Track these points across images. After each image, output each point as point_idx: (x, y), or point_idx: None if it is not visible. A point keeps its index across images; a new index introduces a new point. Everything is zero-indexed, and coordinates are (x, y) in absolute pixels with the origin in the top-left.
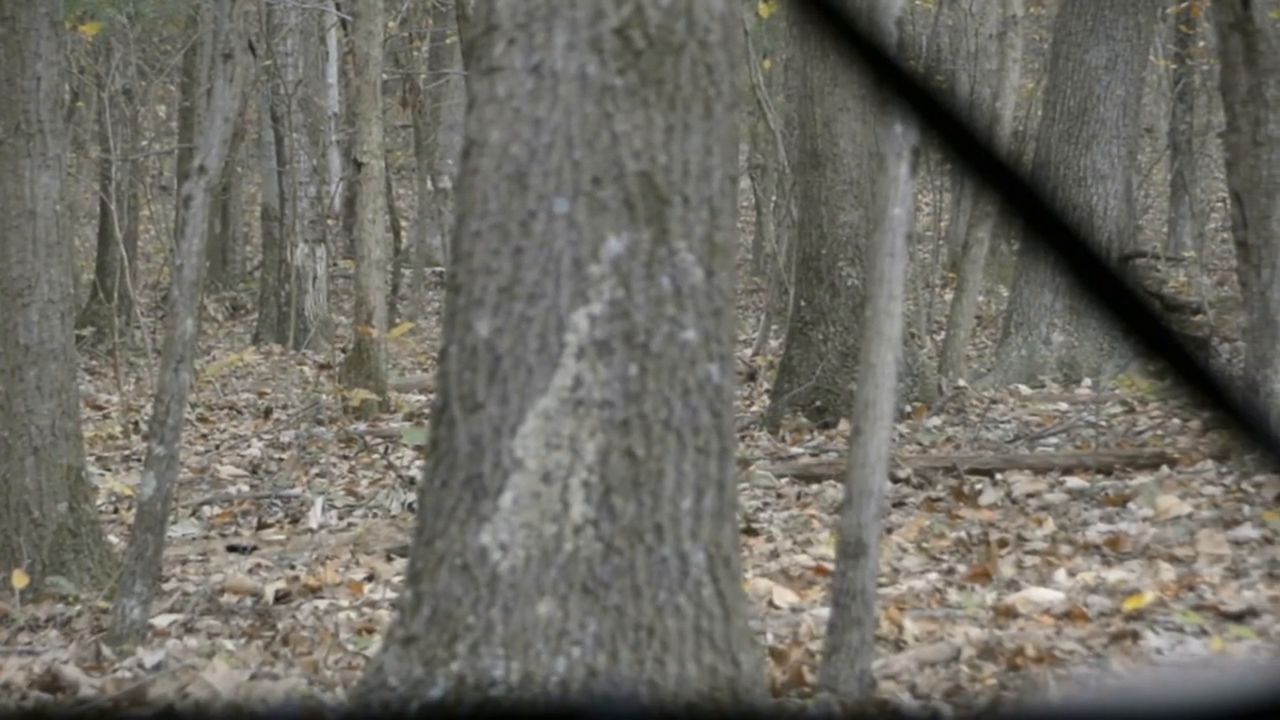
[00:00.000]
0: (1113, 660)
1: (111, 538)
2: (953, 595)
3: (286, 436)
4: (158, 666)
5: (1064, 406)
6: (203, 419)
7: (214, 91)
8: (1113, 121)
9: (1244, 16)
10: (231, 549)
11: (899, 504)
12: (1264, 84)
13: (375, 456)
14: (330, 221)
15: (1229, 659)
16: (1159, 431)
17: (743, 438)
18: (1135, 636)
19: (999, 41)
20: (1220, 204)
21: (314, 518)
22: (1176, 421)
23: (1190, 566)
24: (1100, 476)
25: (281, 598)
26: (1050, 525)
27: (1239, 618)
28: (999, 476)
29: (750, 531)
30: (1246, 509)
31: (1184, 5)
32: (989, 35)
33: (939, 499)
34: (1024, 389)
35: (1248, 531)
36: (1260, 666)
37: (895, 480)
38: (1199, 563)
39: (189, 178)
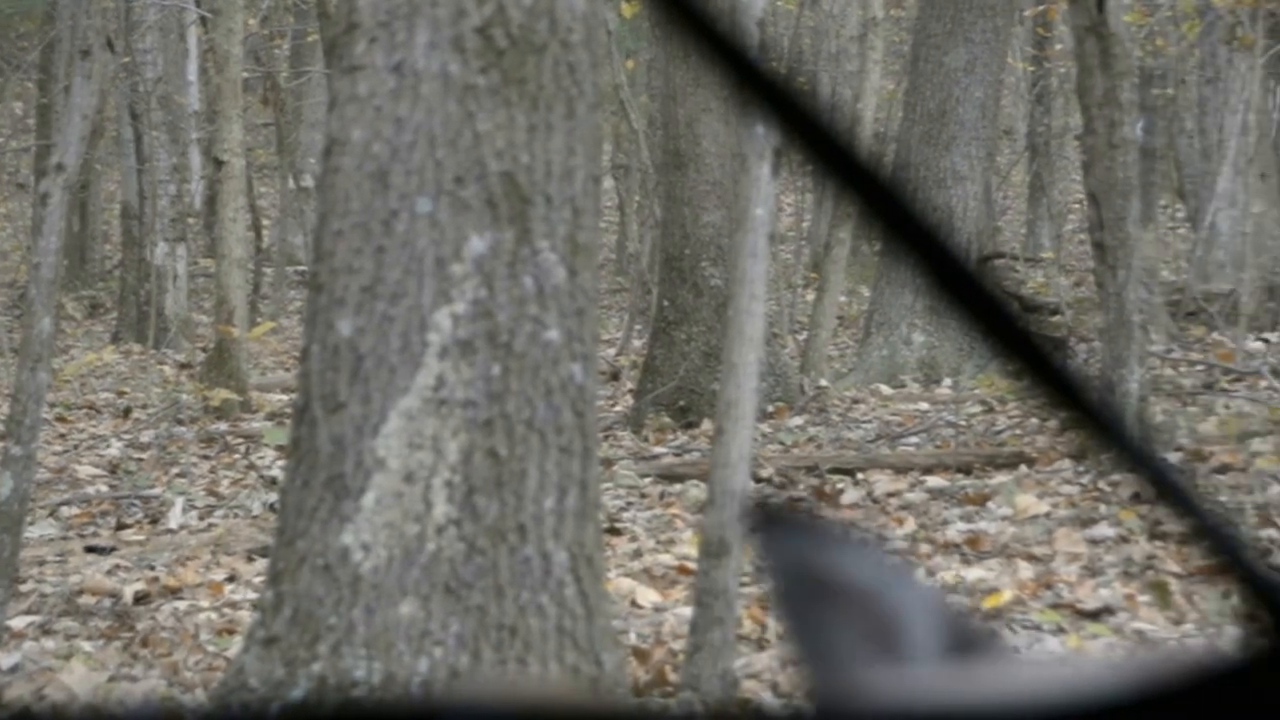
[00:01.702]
0: None
1: None
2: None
3: (146, 436)
4: (14, 669)
5: (924, 406)
6: (61, 419)
7: (72, 88)
8: (972, 123)
9: (1099, 20)
10: (90, 550)
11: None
12: (1119, 87)
13: (236, 456)
14: (191, 220)
15: (1085, 657)
16: (1017, 431)
17: (606, 437)
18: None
19: (860, 43)
20: (1077, 205)
21: (174, 518)
22: (1034, 421)
23: (1048, 565)
24: (960, 476)
25: (141, 599)
26: (911, 524)
27: (1095, 616)
28: (860, 476)
29: (613, 531)
30: (1103, 508)
31: (1041, 8)
32: (850, 37)
33: (801, 498)
34: (885, 389)
35: (1104, 530)
36: (1116, 664)
37: (758, 480)
38: (1056, 561)
39: (46, 175)
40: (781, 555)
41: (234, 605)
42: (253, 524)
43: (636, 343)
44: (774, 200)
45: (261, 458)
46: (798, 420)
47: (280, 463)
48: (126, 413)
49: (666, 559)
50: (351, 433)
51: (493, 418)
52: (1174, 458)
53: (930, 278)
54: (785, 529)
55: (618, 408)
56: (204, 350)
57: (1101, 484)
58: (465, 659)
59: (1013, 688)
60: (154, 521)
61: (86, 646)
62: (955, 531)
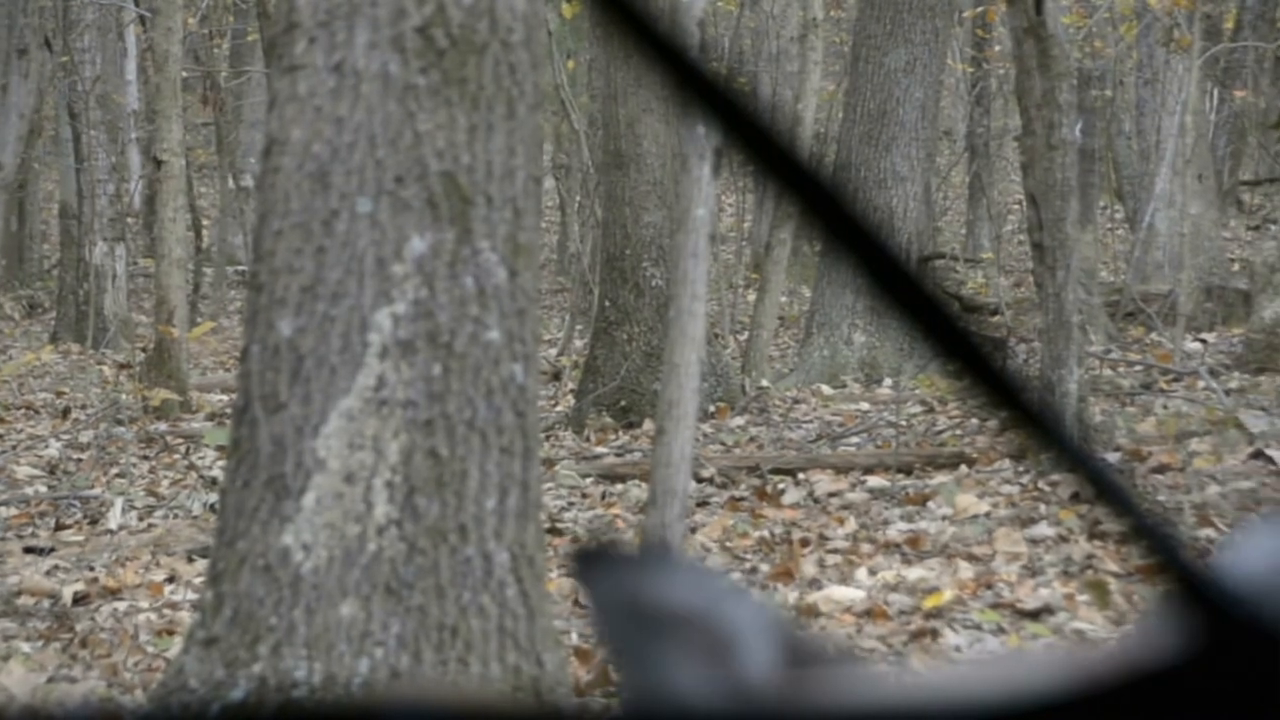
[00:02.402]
0: (912, 658)
1: None
2: (756, 594)
3: (85, 436)
4: None
5: (865, 406)
6: None
7: (9, 88)
8: (912, 124)
9: (1037, 22)
10: (28, 550)
11: (703, 503)
12: (1057, 88)
13: (176, 457)
14: (130, 219)
15: (1025, 656)
16: (958, 431)
17: (547, 438)
18: (934, 634)
19: (800, 44)
20: (1017, 206)
21: (113, 518)
22: (974, 421)
23: (988, 565)
24: (901, 476)
25: (80, 599)
26: (852, 524)
27: (1035, 615)
28: (801, 476)
29: (555, 531)
30: (1043, 507)
31: (980, 10)
32: (790, 38)
33: (742, 498)
34: (826, 389)
35: (1044, 530)
36: (1055, 663)
37: (699, 480)
38: (996, 561)
39: None
40: (605, 593)
41: (174, 606)
42: (193, 524)
43: (578, 343)
44: (715, 201)
45: (202, 458)
46: (739, 420)
47: (220, 463)
48: (65, 413)
49: None
50: (292, 433)
51: (433, 418)
52: (1113, 458)
53: (870, 278)
54: (607, 567)
55: (559, 408)
56: (143, 350)
57: (1041, 484)
58: (406, 659)
59: (846, 695)
60: (93, 522)
61: (25, 647)
62: (896, 531)
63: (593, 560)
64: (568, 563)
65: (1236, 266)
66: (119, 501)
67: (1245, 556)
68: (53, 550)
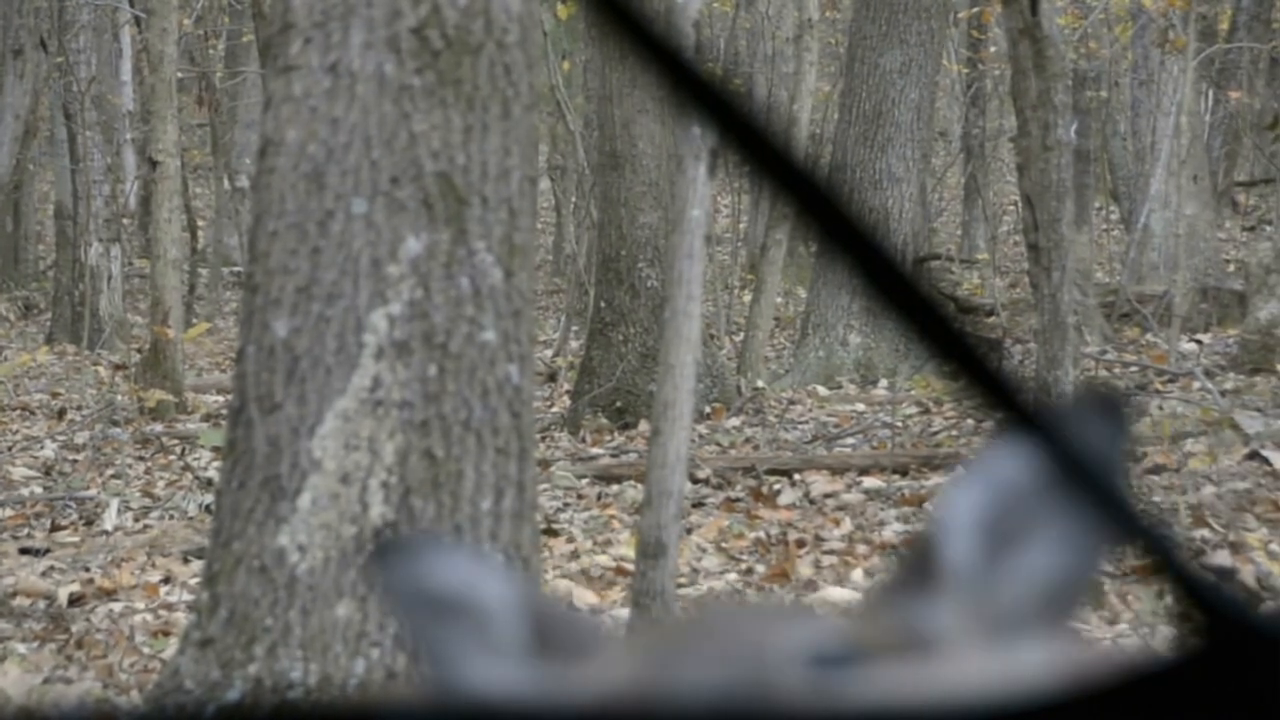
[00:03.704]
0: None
1: None
2: (752, 595)
3: (81, 437)
4: None
5: (861, 407)
6: None
7: (4, 88)
8: (907, 125)
9: (1032, 23)
10: (24, 551)
11: (698, 504)
12: (1052, 89)
13: (172, 458)
14: (125, 220)
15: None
16: (953, 432)
17: (543, 438)
18: None
19: (795, 45)
20: (1012, 207)
21: (109, 520)
22: (970, 422)
23: None
24: (896, 477)
25: (76, 601)
26: (847, 525)
27: None
28: (797, 477)
29: (550, 532)
30: None
31: (975, 11)
32: (785, 39)
33: (738, 499)
34: (821, 390)
35: None
36: (1049, 664)
37: (694, 481)
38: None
39: None
40: (401, 582)
41: (169, 607)
42: (188, 525)
43: (574, 344)
44: (710, 201)
45: (197, 459)
46: (735, 421)
47: (216, 464)
48: (61, 414)
49: (604, 560)
50: (287, 434)
51: (429, 419)
52: None
53: (866, 279)
54: (404, 557)
55: (555, 409)
56: (139, 351)
57: None
58: (402, 660)
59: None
60: (89, 523)
61: (21, 648)
62: (892, 532)
63: (390, 551)
64: (369, 555)
65: (1231, 267)
66: (114, 502)
67: (952, 507)
68: (48, 551)
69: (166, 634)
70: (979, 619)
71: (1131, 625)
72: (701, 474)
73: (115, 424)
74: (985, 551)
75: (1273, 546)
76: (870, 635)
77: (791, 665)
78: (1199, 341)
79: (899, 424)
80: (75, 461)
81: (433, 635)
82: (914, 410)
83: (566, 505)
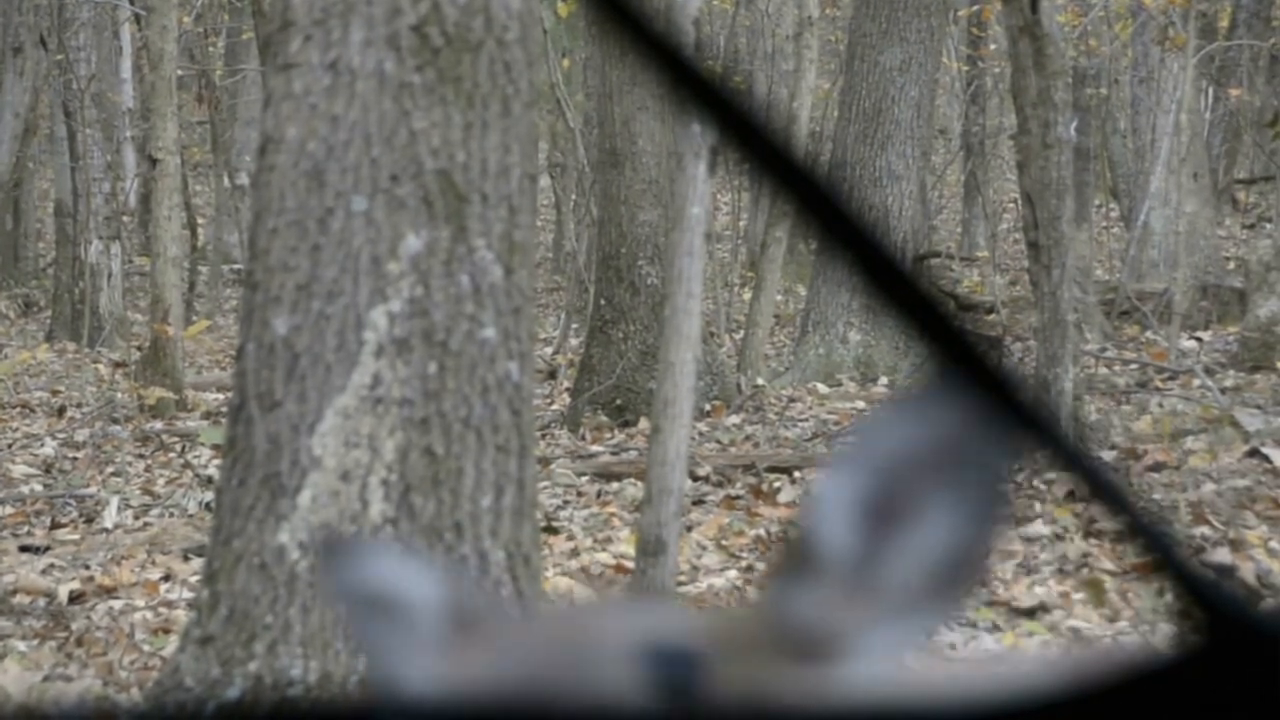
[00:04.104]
0: (906, 656)
1: None
2: (752, 593)
3: (81, 435)
4: None
5: (861, 405)
6: None
7: (4, 86)
8: (907, 123)
9: (1032, 21)
10: (24, 549)
11: (698, 502)
12: (1052, 86)
13: (172, 455)
14: (125, 218)
15: (1021, 654)
16: None
17: (543, 436)
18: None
19: (795, 42)
20: (1012, 204)
21: (109, 517)
22: None
23: None
24: None
25: (76, 598)
26: None
27: (1030, 613)
28: (797, 474)
29: (550, 530)
30: (1038, 506)
31: (975, 8)
32: (785, 36)
33: (738, 497)
34: (821, 387)
35: (1039, 528)
36: (1050, 661)
37: (694, 478)
38: (992, 559)
39: None
40: (344, 581)
41: (169, 604)
42: (188, 523)
43: (573, 341)
44: (710, 199)
45: (197, 456)
46: (734, 419)
47: (216, 461)
48: (61, 411)
49: (604, 557)
50: (287, 431)
51: (429, 416)
52: (1108, 456)
53: (866, 277)
54: (347, 556)
55: (555, 406)
56: (139, 349)
57: (1036, 482)
58: None
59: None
60: (89, 521)
61: (21, 646)
62: None
63: (334, 549)
64: (315, 551)
65: (1231, 265)
66: (114, 500)
67: (827, 490)
68: (48, 549)
69: (167, 631)
70: (861, 602)
71: (1132, 623)
72: (701, 471)
73: (115, 421)
74: (865, 532)
75: (1273, 544)
76: (725, 633)
77: (619, 661)
78: (1199, 339)
79: None
80: (75, 459)
81: (368, 631)
82: None
83: (566, 503)
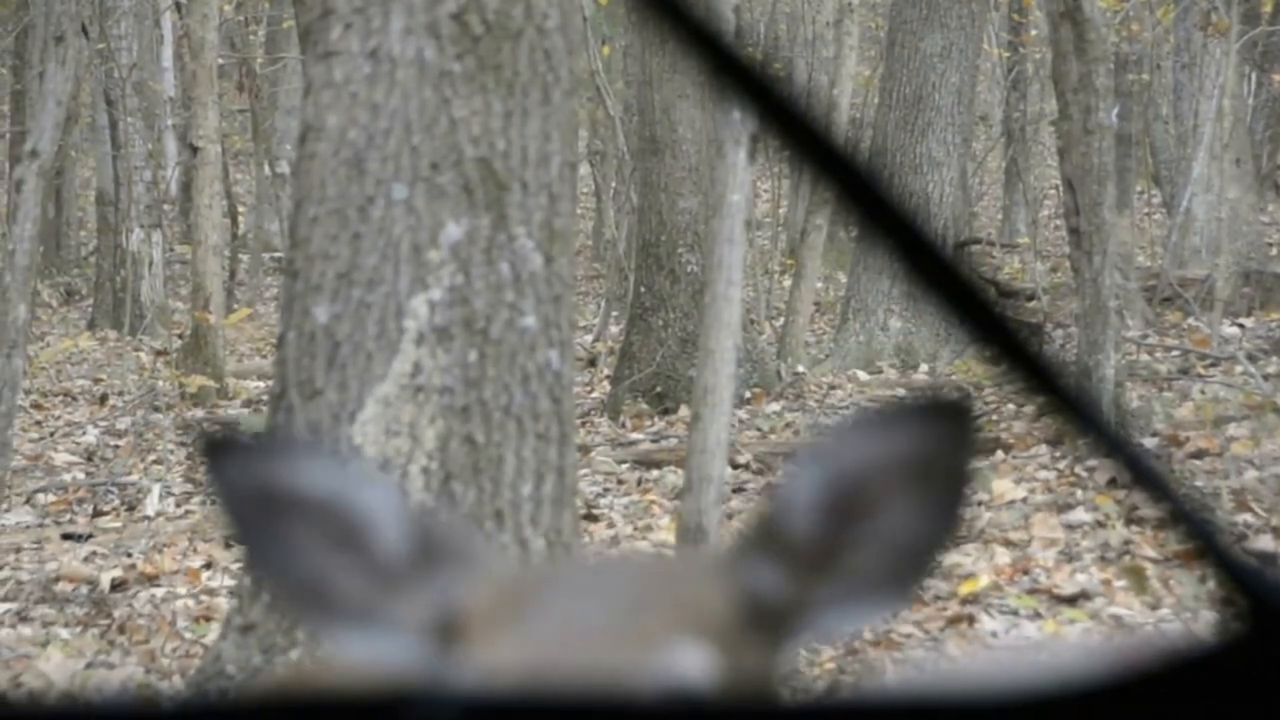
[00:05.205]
0: (949, 644)
1: None
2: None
3: (123, 423)
4: None
5: (902, 392)
6: (37, 405)
7: (46, 74)
8: (948, 109)
9: (1074, 6)
10: (67, 537)
11: (739, 489)
12: (1094, 72)
13: None
14: (166, 206)
15: (1062, 641)
16: (994, 416)
17: (583, 424)
18: (971, 620)
19: (835, 29)
20: (1053, 191)
21: (151, 505)
22: (1011, 407)
23: (1025, 550)
24: None
25: (118, 586)
26: None
27: (1072, 601)
28: None
29: (591, 517)
30: (1079, 493)
31: None
32: (826, 23)
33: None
34: (862, 374)
35: (1080, 515)
36: (1092, 649)
37: (735, 466)
38: (1033, 546)
39: (21, 162)
40: (231, 479)
41: (211, 592)
42: None
43: (614, 329)
44: (750, 186)
45: None
46: (775, 406)
47: None
48: (103, 400)
49: (644, 545)
50: (328, 419)
51: (469, 404)
52: (1150, 443)
53: (907, 263)
54: (234, 452)
55: (595, 394)
56: (180, 337)
57: (1078, 469)
58: None
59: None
60: (131, 508)
61: (63, 634)
62: None
63: (219, 448)
64: (193, 445)
65: (1274, 251)
66: (156, 488)
67: (794, 483)
68: (90, 537)
69: (208, 619)
70: (820, 582)
71: (1174, 610)
72: (742, 459)
73: (157, 409)
74: (828, 524)
75: None
76: (711, 625)
77: (650, 693)
78: (1241, 325)
79: None
80: (117, 447)
81: (277, 539)
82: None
83: (606, 490)
